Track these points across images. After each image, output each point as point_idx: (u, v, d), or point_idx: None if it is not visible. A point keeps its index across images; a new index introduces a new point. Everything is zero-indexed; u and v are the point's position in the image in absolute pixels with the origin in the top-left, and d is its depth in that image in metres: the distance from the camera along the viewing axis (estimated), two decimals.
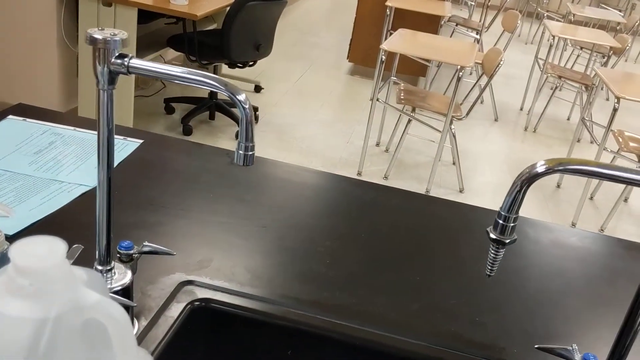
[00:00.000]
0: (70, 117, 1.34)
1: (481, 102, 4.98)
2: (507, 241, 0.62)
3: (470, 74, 5.51)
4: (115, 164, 1.13)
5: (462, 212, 1.19)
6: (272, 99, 4.43)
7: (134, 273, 0.75)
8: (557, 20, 7.05)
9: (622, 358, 0.72)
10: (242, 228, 1.02)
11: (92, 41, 0.62)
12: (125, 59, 0.63)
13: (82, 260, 0.73)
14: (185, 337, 0.83)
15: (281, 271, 0.93)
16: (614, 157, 3.56)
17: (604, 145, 3.25)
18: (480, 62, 3.72)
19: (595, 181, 3.69)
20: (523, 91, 5.32)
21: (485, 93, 4.28)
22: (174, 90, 4.20)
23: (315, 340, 0.84)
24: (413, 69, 4.99)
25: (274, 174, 1.22)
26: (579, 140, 4.53)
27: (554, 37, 4.62)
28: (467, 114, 3.39)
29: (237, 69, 3.72)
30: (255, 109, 4.02)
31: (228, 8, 3.32)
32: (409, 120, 3.53)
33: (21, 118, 1.27)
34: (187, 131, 3.64)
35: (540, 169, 0.59)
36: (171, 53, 4.29)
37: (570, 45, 5.98)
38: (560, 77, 4.76)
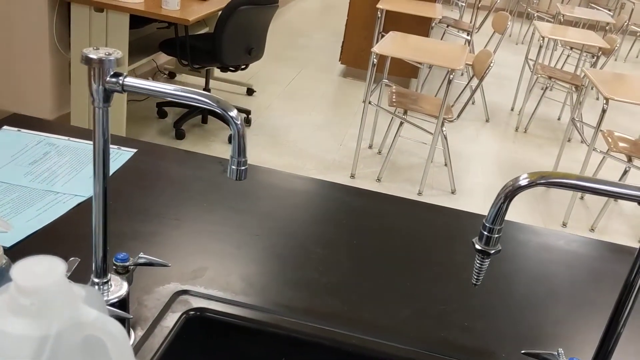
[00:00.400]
0: (64, 127, 1.35)
1: (472, 103, 5.01)
2: (492, 252, 0.64)
3: (462, 74, 5.54)
4: (110, 173, 1.14)
5: (452, 218, 1.21)
6: (265, 102, 4.44)
7: (129, 284, 0.76)
8: (548, 21, 7.09)
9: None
10: (236, 236, 1.04)
11: (87, 61, 0.64)
12: (120, 78, 0.65)
13: (79, 272, 0.75)
14: (181, 347, 0.85)
15: (274, 279, 0.95)
16: (604, 157, 3.60)
17: (593, 146, 3.29)
18: (471, 63, 3.75)
19: None
20: (514, 92, 5.36)
21: (477, 94, 4.31)
22: None
23: (308, 347, 0.86)
24: (405, 71, 5.01)
25: (267, 181, 1.24)
26: (569, 140, 4.57)
27: (543, 38, 4.66)
28: (458, 115, 3.41)
29: (229, 72, 3.74)
30: (248, 112, 4.04)
31: (220, 12, 3.33)
32: (401, 123, 3.56)
33: (16, 129, 1.28)
34: (180, 135, 3.65)
35: (523, 182, 0.61)
36: (163, 57, 4.30)
37: (560, 45, 6.03)
38: (550, 77, 4.80)
